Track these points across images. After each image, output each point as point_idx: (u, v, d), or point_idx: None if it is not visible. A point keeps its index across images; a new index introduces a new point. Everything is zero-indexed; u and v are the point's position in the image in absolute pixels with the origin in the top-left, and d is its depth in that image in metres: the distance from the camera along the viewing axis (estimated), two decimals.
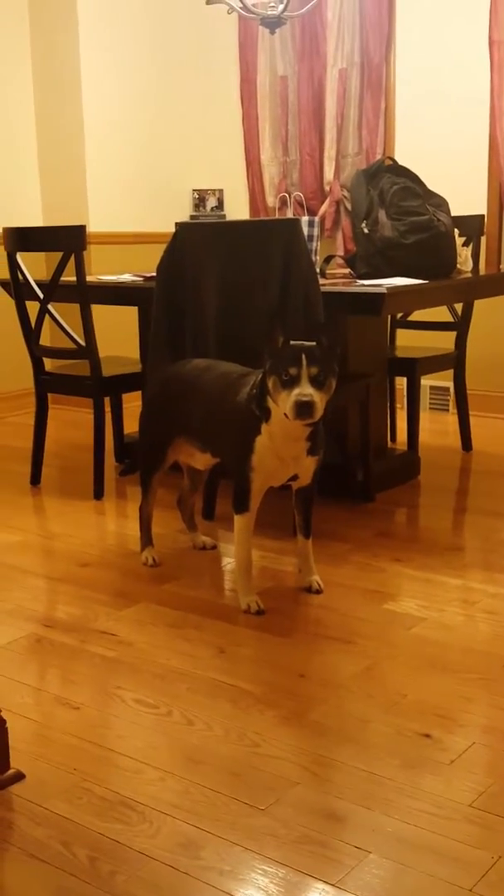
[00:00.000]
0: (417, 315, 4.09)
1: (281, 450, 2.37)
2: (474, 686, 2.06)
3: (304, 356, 2.21)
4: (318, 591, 2.59)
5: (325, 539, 2.97)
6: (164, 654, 2.24)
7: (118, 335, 4.33)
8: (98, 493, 3.51)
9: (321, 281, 3.08)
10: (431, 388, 4.95)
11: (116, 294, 3.59)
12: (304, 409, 2.20)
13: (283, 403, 2.24)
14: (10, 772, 1.73)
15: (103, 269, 4.71)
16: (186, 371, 2.67)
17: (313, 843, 1.54)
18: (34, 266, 3.86)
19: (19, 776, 1.73)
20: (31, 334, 3.58)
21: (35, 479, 3.72)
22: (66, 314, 3.65)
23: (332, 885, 1.44)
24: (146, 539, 2.85)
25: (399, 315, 4.19)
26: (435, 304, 3.49)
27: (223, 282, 2.99)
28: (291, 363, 2.22)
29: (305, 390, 2.20)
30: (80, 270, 3.34)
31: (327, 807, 1.64)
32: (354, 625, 2.38)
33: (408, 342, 4.30)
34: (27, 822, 1.61)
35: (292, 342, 2.26)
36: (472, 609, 2.47)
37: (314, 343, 2.26)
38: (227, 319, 2.99)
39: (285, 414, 2.24)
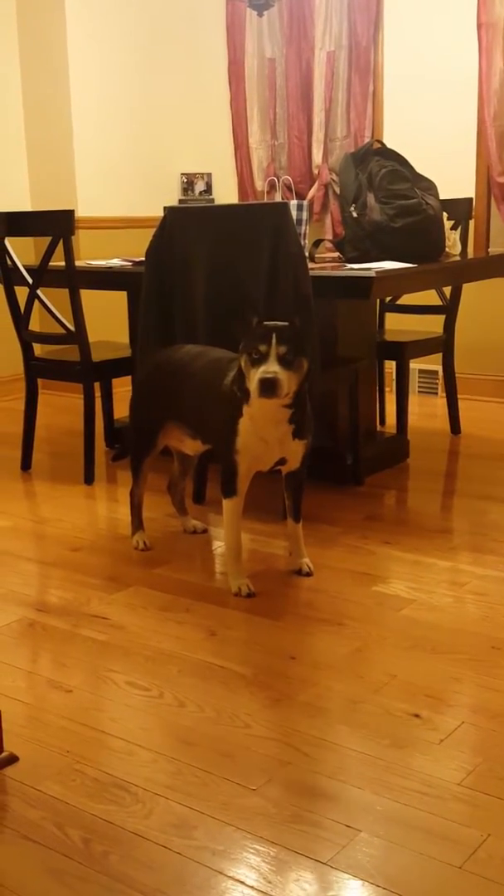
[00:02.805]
0: (406, 299, 4.10)
1: (263, 431, 2.38)
2: (463, 666, 2.08)
3: (274, 335, 2.23)
4: (308, 574, 2.60)
5: (315, 522, 2.98)
6: (156, 637, 2.25)
7: (107, 320, 4.32)
8: (89, 478, 3.52)
9: (310, 265, 3.08)
10: (420, 371, 4.97)
11: (105, 279, 3.58)
12: (267, 386, 2.21)
13: (251, 381, 2.26)
14: (4, 754, 1.75)
15: (92, 253, 4.71)
16: (178, 357, 2.68)
17: (304, 823, 1.56)
18: (23, 251, 3.85)
19: (13, 759, 1.75)
20: (20, 320, 3.57)
21: (26, 464, 3.72)
22: (55, 299, 3.64)
23: (324, 863, 1.46)
24: (137, 523, 2.86)
25: (388, 299, 4.20)
26: (424, 287, 3.50)
27: (212, 266, 2.99)
28: (261, 341, 2.24)
29: (270, 368, 2.22)
30: (69, 255, 3.33)
31: (318, 786, 1.65)
32: (344, 607, 2.40)
33: (397, 326, 4.31)
34: (21, 804, 1.62)
35: (265, 322, 2.27)
36: (461, 591, 2.49)
37: (287, 323, 2.27)
38: (215, 303, 3.00)
39: (254, 392, 2.26)
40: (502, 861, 1.45)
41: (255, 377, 2.24)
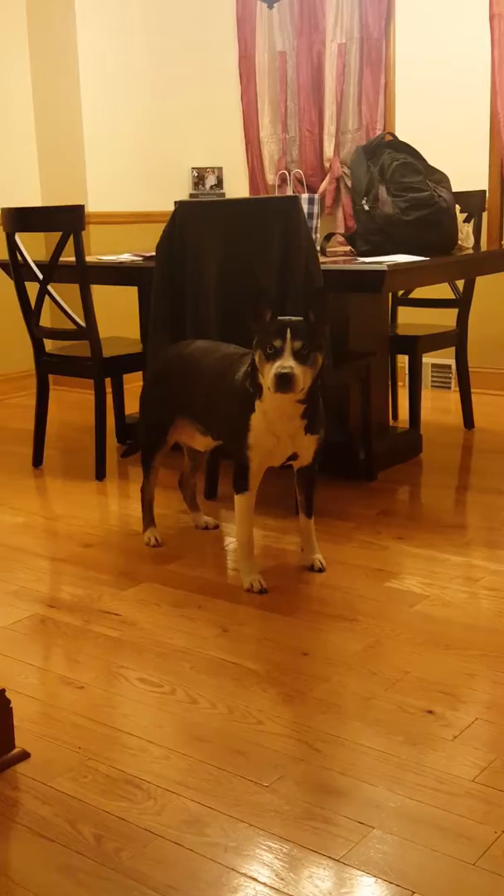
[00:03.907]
0: (419, 292, 4.08)
1: (275, 427, 2.37)
2: (476, 662, 2.06)
3: (288, 330, 2.22)
4: (321, 570, 2.59)
5: (328, 518, 2.97)
6: (168, 633, 2.25)
7: (118, 316, 4.32)
8: (100, 475, 3.51)
9: (322, 259, 3.06)
10: (433, 365, 4.94)
11: (116, 274, 3.58)
12: (283, 381, 2.20)
13: (266, 377, 2.25)
14: (16, 751, 1.74)
15: (103, 249, 4.70)
16: (188, 352, 2.67)
17: (317, 820, 1.55)
18: (33, 247, 3.85)
19: (24, 755, 1.74)
20: (31, 316, 3.57)
21: (37, 460, 3.73)
22: (65, 295, 3.64)
23: (336, 860, 1.45)
24: (148, 519, 2.86)
25: (400, 293, 4.18)
26: (436, 281, 3.48)
27: (223, 260, 2.98)
28: (276, 336, 2.23)
29: (286, 363, 2.21)
30: (80, 251, 3.32)
31: (331, 783, 1.65)
32: (357, 603, 2.39)
33: (409, 320, 4.29)
34: (33, 801, 1.62)
35: (279, 317, 2.26)
36: (475, 586, 2.47)
37: (301, 318, 2.26)
38: (227, 298, 2.99)
39: (269, 387, 2.25)
40: None
41: (270, 372, 2.23)
